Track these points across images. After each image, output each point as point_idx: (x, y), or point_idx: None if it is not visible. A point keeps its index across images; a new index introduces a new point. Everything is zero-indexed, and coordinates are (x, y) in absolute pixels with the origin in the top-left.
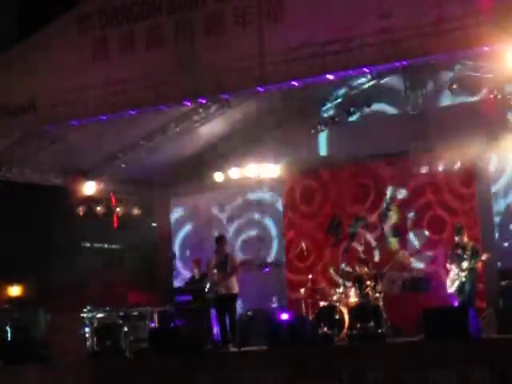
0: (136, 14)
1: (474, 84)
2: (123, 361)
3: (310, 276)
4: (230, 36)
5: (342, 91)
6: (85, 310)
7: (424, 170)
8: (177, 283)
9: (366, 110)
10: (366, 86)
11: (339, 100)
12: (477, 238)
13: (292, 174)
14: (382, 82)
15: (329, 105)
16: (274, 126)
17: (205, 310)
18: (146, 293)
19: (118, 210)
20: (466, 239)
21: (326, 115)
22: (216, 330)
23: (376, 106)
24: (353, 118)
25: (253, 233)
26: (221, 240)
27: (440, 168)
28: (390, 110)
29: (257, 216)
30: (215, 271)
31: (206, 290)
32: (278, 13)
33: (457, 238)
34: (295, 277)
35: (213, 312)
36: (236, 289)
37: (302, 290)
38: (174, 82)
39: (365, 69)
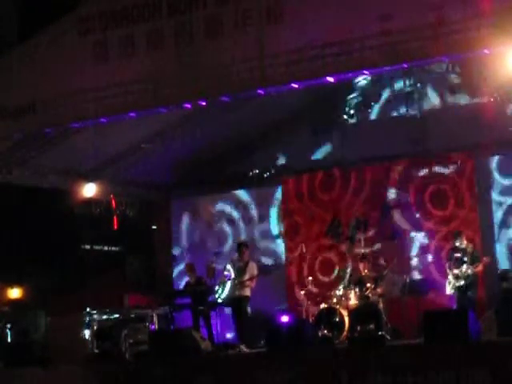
0: (136, 16)
1: (475, 86)
2: (123, 363)
3: (310, 278)
4: (230, 38)
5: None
6: (84, 312)
7: (424, 172)
8: (177, 285)
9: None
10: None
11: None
12: (477, 240)
13: (292, 175)
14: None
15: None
16: (273, 127)
17: (205, 312)
18: (145, 295)
19: (117, 212)
20: (465, 242)
21: (326, 117)
22: (215, 331)
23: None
24: (353, 121)
25: (253, 234)
26: (242, 246)
27: (440, 170)
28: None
29: (257, 217)
30: (233, 276)
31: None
32: (277, 15)
33: (456, 243)
34: (295, 279)
35: (213, 314)
36: (248, 292)
37: (302, 292)
38: (174, 84)
39: (365, 71)
